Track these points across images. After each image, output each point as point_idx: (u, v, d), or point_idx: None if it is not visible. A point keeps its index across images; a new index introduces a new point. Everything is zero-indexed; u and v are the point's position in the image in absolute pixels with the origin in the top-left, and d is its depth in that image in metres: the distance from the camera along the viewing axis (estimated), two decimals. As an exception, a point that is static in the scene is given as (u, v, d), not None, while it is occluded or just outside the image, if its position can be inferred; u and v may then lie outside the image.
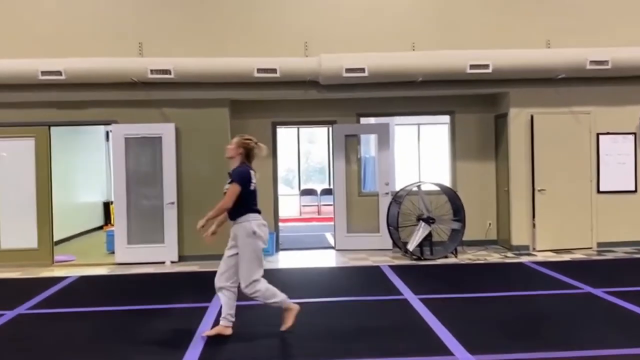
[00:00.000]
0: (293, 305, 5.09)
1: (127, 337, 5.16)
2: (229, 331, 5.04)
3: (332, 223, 10.04)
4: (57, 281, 7.58)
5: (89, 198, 12.64)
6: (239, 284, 5.03)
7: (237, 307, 6.07)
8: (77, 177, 11.88)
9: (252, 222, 4.93)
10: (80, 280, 7.69)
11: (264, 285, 4.97)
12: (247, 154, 5.04)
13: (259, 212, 5.04)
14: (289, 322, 5.05)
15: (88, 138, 12.64)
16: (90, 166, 12.78)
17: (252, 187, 4.98)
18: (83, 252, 9.80)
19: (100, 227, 12.81)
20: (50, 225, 8.80)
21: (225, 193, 4.93)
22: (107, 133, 12.82)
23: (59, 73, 8.10)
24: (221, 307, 5.12)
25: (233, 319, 5.07)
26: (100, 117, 8.93)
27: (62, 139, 10.04)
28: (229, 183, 4.92)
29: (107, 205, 13.09)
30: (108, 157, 12.99)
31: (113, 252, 8.91)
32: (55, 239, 9.12)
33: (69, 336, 5.24)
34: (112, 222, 11.07)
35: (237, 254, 4.99)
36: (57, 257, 8.98)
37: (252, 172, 5.01)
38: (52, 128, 8.85)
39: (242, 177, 4.91)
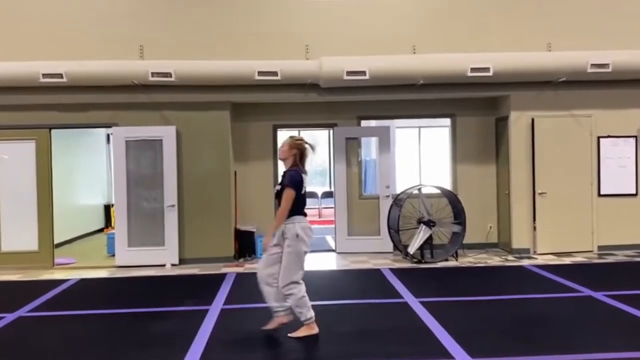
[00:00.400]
0: (315, 327, 5.11)
1: (127, 340, 5.16)
2: (285, 319, 5.11)
3: (332, 226, 10.04)
4: (57, 284, 7.57)
5: (89, 200, 12.64)
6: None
7: (238, 309, 6.08)
8: (78, 179, 11.88)
9: (297, 224, 5.01)
10: (81, 283, 7.69)
11: (300, 291, 5.03)
12: (301, 155, 5.14)
13: (305, 215, 5.13)
14: (299, 333, 5.07)
15: (89, 140, 12.65)
16: (91, 169, 12.79)
17: (302, 191, 5.09)
18: (84, 255, 9.79)
19: (101, 230, 12.81)
20: (50, 227, 8.81)
21: (276, 193, 5.09)
22: (108, 136, 12.83)
23: (60, 76, 8.11)
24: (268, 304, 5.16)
25: (285, 310, 5.10)
26: (101, 120, 8.94)
27: (63, 141, 10.04)
28: (280, 185, 5.07)
29: (107, 208, 13.10)
30: (109, 160, 13.00)
31: (114, 255, 8.91)
32: (56, 242, 9.12)
33: (70, 339, 5.24)
34: (112, 224, 11.08)
35: (279, 253, 5.06)
36: (57, 260, 8.97)
37: (304, 176, 5.12)
38: (53, 130, 8.85)
39: (295, 182, 5.01)
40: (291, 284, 4.98)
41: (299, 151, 5.12)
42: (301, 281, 5.05)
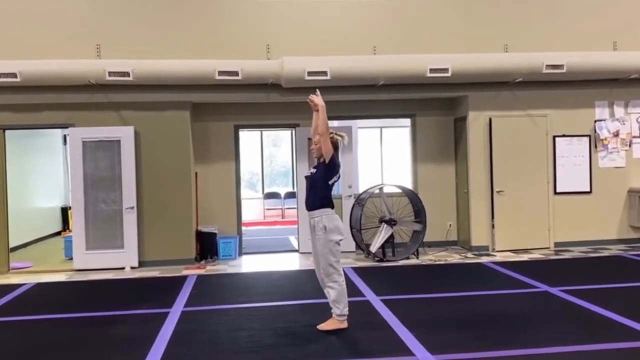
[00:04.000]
0: (345, 323, 5.24)
1: (86, 344, 5.06)
2: (345, 325, 5.22)
3: (295, 226, 10.04)
4: (12, 288, 7.38)
5: (46, 203, 12.34)
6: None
7: (199, 311, 6.03)
8: (34, 181, 11.59)
9: (324, 217, 5.16)
10: (38, 288, 7.51)
11: (341, 283, 5.19)
12: (335, 148, 5.28)
13: (333, 207, 5.25)
14: (328, 326, 5.22)
15: (45, 142, 12.35)
16: (47, 170, 12.48)
17: (332, 182, 5.22)
18: (40, 259, 9.57)
19: (59, 233, 12.54)
20: (5, 231, 8.57)
21: (307, 177, 5.36)
22: (65, 137, 12.56)
23: (14, 75, 7.90)
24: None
25: (345, 315, 5.24)
26: (57, 121, 8.74)
27: (17, 142, 9.79)
28: (315, 168, 5.31)
29: (65, 210, 12.81)
30: (66, 161, 12.71)
31: (71, 258, 8.72)
32: (11, 245, 8.87)
33: (26, 345, 5.11)
34: (70, 227, 10.85)
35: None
36: (13, 264, 8.74)
37: (338, 167, 5.30)
38: (7, 131, 8.62)
39: (333, 156, 5.24)
40: (331, 275, 5.11)
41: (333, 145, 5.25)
42: (341, 272, 5.18)
